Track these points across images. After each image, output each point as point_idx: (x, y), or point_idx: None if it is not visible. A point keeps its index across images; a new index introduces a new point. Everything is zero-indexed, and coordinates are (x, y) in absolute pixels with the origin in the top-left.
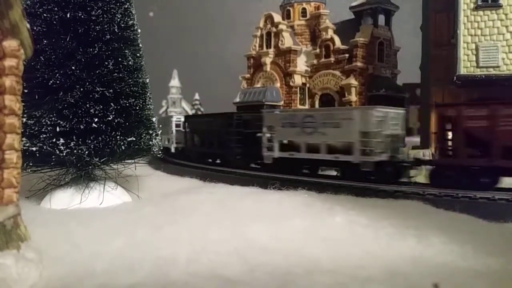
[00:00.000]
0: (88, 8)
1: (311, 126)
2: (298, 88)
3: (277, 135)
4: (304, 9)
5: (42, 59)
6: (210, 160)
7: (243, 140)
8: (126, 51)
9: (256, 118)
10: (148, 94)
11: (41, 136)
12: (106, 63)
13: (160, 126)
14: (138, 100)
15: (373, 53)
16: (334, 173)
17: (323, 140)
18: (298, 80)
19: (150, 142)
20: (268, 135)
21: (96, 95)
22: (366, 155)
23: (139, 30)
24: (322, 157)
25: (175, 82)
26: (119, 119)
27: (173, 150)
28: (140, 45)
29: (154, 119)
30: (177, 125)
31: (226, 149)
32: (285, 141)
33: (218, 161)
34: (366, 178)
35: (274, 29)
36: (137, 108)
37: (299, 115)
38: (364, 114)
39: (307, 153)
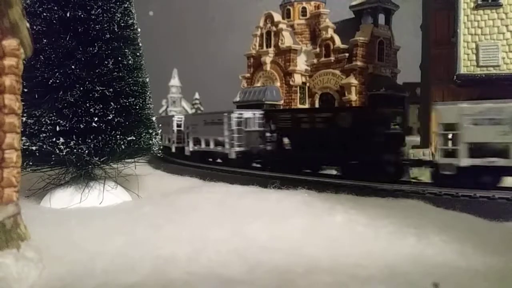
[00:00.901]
0: (88, 7)
1: None
2: (298, 87)
3: (464, 136)
4: (304, 8)
5: (42, 58)
6: (313, 171)
7: (389, 144)
8: (126, 50)
9: (395, 113)
10: (148, 93)
11: (41, 135)
12: (106, 62)
13: (193, 125)
14: (138, 99)
15: (373, 52)
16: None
17: None
18: (298, 79)
19: (150, 141)
20: (444, 136)
21: (96, 94)
22: None
23: (139, 29)
24: None
25: (175, 81)
26: (119, 118)
27: (233, 156)
28: (140, 44)
29: (182, 117)
30: (239, 124)
31: (361, 156)
32: (475, 144)
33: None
34: None
35: (274, 28)
36: (137, 107)
37: (508, 108)
38: None
39: None
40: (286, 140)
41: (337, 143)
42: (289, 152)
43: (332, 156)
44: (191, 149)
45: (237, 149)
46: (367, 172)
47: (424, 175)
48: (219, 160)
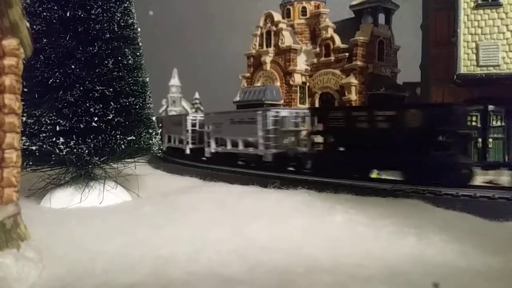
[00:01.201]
0: (88, 7)
1: None
2: (298, 87)
3: None
4: (304, 8)
5: (42, 58)
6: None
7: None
8: (126, 50)
9: (469, 111)
10: (148, 93)
11: (41, 135)
12: (106, 62)
13: (216, 124)
14: (138, 99)
15: (373, 52)
16: None
17: None
18: (298, 79)
19: (150, 141)
20: None
21: (96, 94)
22: None
23: (139, 29)
24: None
25: (175, 81)
26: (119, 118)
27: (269, 158)
28: (140, 44)
29: (197, 116)
30: (275, 123)
31: (433, 158)
32: None
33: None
34: None
35: (274, 28)
36: (137, 107)
37: None
38: None
39: None
40: (333, 141)
41: (403, 144)
42: (339, 154)
43: (395, 158)
44: (212, 150)
45: (274, 150)
46: (439, 176)
47: (501, 178)
48: (240, 162)
